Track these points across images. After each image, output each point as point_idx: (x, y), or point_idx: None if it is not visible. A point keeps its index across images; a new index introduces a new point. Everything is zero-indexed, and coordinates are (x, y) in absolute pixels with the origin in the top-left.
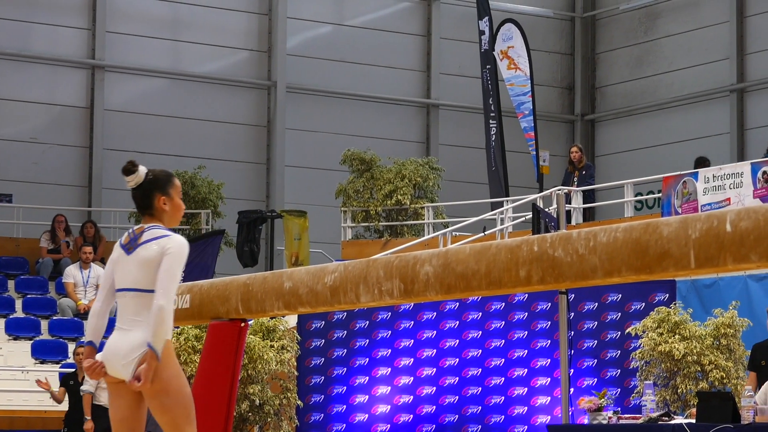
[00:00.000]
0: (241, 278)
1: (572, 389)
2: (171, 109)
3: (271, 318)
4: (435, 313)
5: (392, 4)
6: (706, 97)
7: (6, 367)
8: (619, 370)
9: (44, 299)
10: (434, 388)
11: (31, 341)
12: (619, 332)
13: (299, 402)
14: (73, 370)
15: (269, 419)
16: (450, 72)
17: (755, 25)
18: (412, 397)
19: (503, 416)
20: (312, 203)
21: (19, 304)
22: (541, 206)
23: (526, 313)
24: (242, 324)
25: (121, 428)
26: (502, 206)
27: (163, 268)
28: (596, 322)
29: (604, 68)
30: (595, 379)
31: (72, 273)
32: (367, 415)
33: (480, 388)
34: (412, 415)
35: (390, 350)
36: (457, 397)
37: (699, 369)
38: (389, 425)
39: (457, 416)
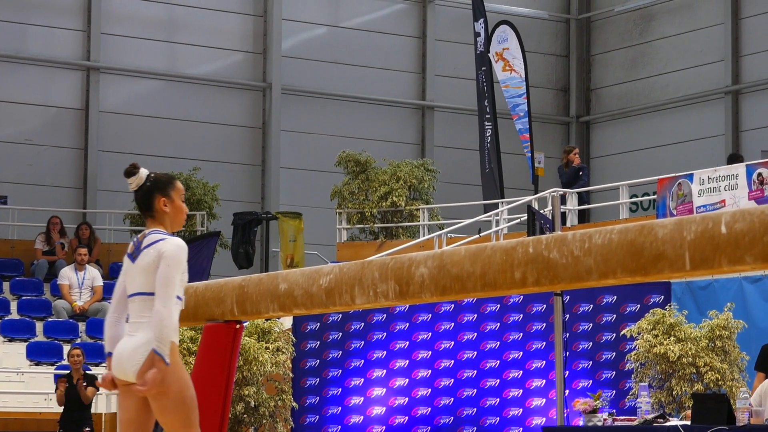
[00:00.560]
0: (236, 280)
1: (567, 391)
2: (166, 110)
3: (266, 320)
4: (430, 315)
5: (387, 5)
6: (701, 99)
7: (1, 368)
8: (614, 372)
9: (39, 301)
10: (429, 389)
11: (26, 343)
12: (614, 334)
13: (294, 404)
14: (68, 372)
15: (264, 421)
16: (445, 74)
17: (750, 26)
18: (407, 398)
19: (498, 418)
20: (307, 205)
21: (14, 305)
22: (536, 208)
23: (521, 315)
24: (237, 326)
25: (127, 429)
26: (496, 208)
27: (159, 273)
28: (591, 324)
29: (599, 70)
30: (590, 381)
31: (67, 275)
32: (362, 417)
33: (475, 390)
34: (407, 417)
35: (385, 352)
36: (452, 398)
37: (694, 371)
38: (384, 427)
39: (452, 418)
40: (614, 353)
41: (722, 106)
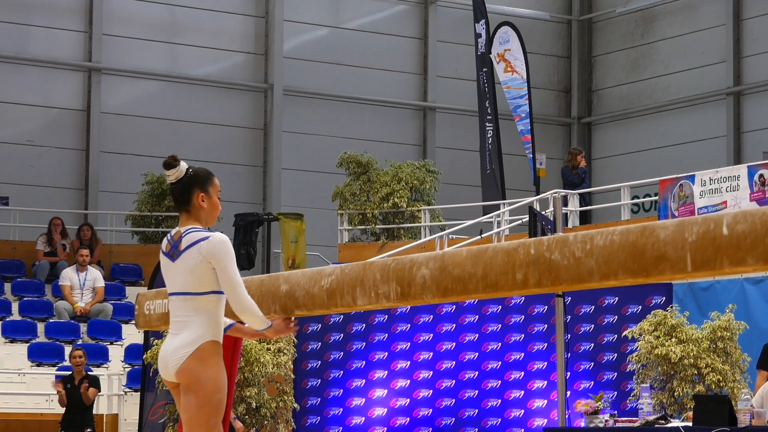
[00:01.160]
0: None
1: (569, 392)
2: (167, 111)
3: None
4: (432, 316)
5: (389, 7)
6: (702, 100)
7: (2, 370)
8: (615, 373)
9: (41, 302)
10: (431, 390)
11: (28, 344)
12: (616, 335)
13: (296, 405)
14: (70, 372)
15: (266, 422)
16: (447, 75)
17: (752, 28)
18: (408, 400)
19: (500, 419)
20: (309, 206)
21: (15, 306)
22: (538, 209)
23: (523, 316)
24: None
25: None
26: (498, 209)
27: (221, 277)
28: (593, 325)
29: (601, 71)
30: (592, 382)
31: (68, 276)
32: (363, 418)
33: (477, 391)
34: (408, 418)
35: (387, 353)
36: (453, 399)
37: (696, 372)
38: (386, 428)
39: (453, 419)
40: (616, 354)
41: (724, 108)
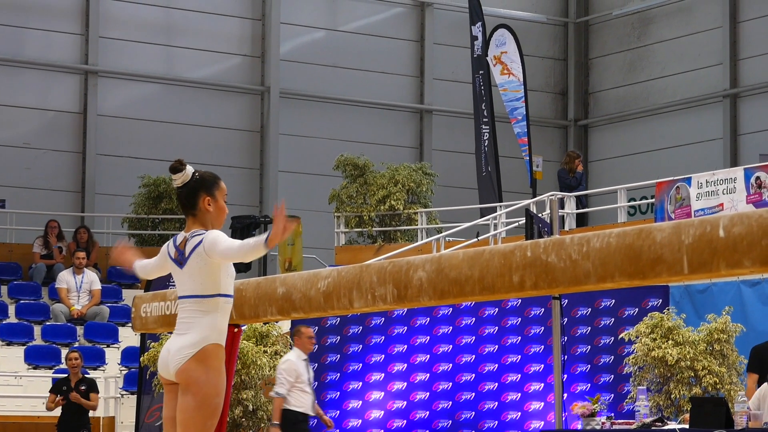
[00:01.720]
0: (235, 283)
1: (566, 394)
2: (164, 114)
3: (264, 323)
4: (428, 319)
5: (385, 9)
6: (699, 103)
7: None
8: (612, 376)
9: (37, 305)
10: (428, 393)
11: (24, 347)
12: (613, 337)
13: None
14: (66, 375)
15: (263, 424)
16: (443, 77)
17: (748, 30)
18: (405, 402)
19: (497, 421)
20: (305, 208)
21: (12, 309)
22: (535, 211)
23: (520, 319)
24: (235, 329)
25: (169, 426)
26: (494, 211)
27: (223, 255)
28: (589, 328)
29: (597, 73)
30: (589, 385)
31: (65, 278)
32: (360, 421)
33: (473, 394)
34: (405, 421)
35: (383, 355)
36: (450, 402)
37: (692, 374)
38: (382, 430)
39: (450, 421)
40: (612, 357)
41: (720, 110)
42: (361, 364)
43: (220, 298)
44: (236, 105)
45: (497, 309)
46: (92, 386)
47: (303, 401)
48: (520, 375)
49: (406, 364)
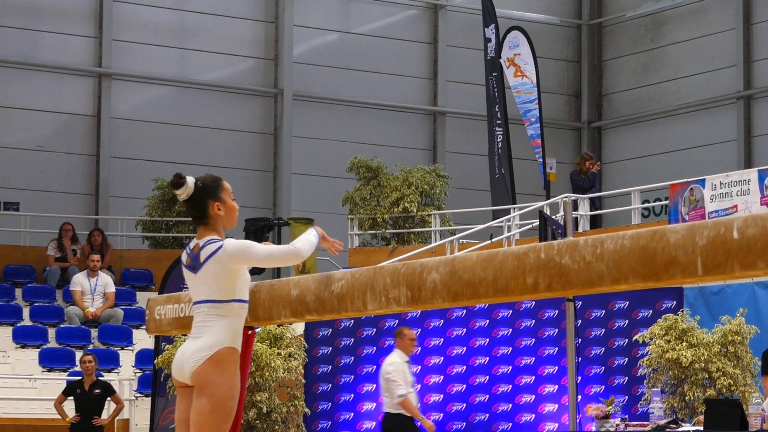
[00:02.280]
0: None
1: (580, 396)
2: (178, 116)
3: (279, 326)
4: (442, 321)
5: (399, 11)
6: (712, 105)
7: (13, 375)
8: (626, 378)
9: (51, 307)
10: (441, 395)
11: (39, 349)
12: (627, 339)
13: (307, 409)
14: (80, 378)
15: (277, 427)
16: (456, 79)
17: (762, 32)
18: (419, 404)
19: (511, 423)
20: (319, 211)
21: (26, 312)
22: (548, 213)
23: (534, 321)
24: (249, 332)
25: (182, 429)
26: (508, 213)
27: (258, 264)
28: (603, 330)
29: (611, 75)
30: (603, 387)
31: (79, 281)
32: (374, 423)
33: (487, 396)
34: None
35: None
36: (464, 404)
37: (706, 376)
38: None
39: (464, 423)
40: (626, 359)
41: (734, 112)
42: (375, 366)
43: (236, 303)
44: (249, 107)
45: (511, 311)
46: (107, 389)
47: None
48: (534, 377)
49: (419, 367)
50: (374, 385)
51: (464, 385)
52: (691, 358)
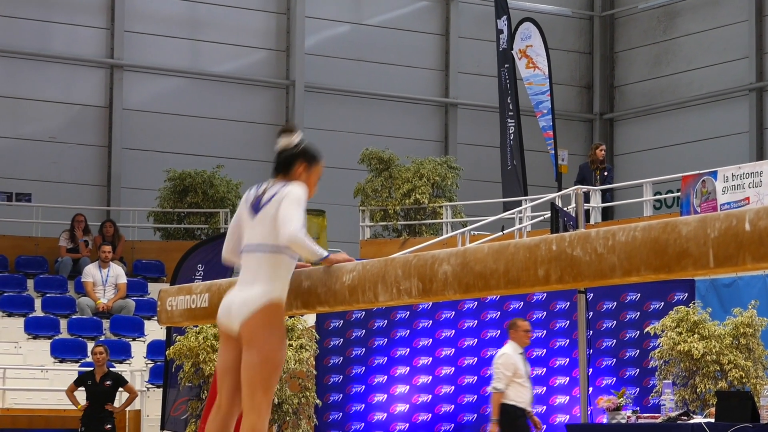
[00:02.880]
0: None
1: (591, 388)
2: (189, 108)
3: (290, 317)
4: (453, 312)
5: (410, 3)
6: (725, 96)
7: (25, 366)
8: (637, 370)
9: (63, 298)
10: (453, 387)
11: (50, 340)
12: (638, 331)
13: (318, 401)
14: (91, 369)
15: (288, 418)
16: (468, 71)
17: None
18: (430, 396)
19: None
20: (330, 202)
21: (38, 303)
22: (560, 205)
23: (545, 312)
24: None
25: (224, 379)
26: (519, 205)
27: (284, 205)
28: (615, 322)
29: (623, 67)
30: (614, 379)
31: (91, 272)
32: (385, 414)
33: None
34: (430, 414)
35: (408, 349)
36: (475, 396)
37: (718, 368)
38: (408, 424)
39: (475, 415)
40: (638, 351)
41: (746, 103)
42: (386, 358)
43: (287, 256)
44: (261, 99)
45: (522, 303)
46: (119, 380)
47: (521, 395)
48: (545, 369)
49: (431, 358)
50: (385, 377)
51: (475, 377)
52: (702, 350)
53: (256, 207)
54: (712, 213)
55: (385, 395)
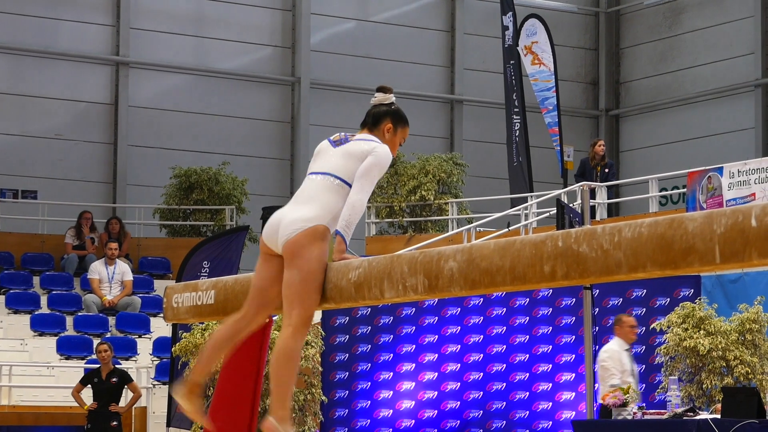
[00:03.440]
0: None
1: (597, 385)
2: (195, 105)
3: None
4: (459, 309)
5: None
6: (730, 92)
7: (31, 362)
8: (644, 366)
9: (69, 295)
10: (458, 383)
11: (56, 337)
12: (644, 328)
13: (323, 397)
14: (98, 366)
15: (294, 415)
16: (474, 67)
17: None
18: (436, 392)
19: (528, 412)
20: None
21: (44, 300)
22: (566, 201)
23: (551, 309)
24: (267, 319)
25: (256, 295)
26: (525, 201)
27: (364, 165)
28: None
29: (629, 63)
30: None
31: (97, 269)
32: (391, 411)
33: (504, 384)
34: (436, 411)
35: (414, 346)
36: (481, 392)
37: (724, 364)
38: (413, 421)
39: (481, 412)
40: (644, 347)
41: (752, 99)
42: (391, 355)
43: (344, 197)
44: (267, 96)
45: (528, 299)
46: (124, 377)
47: None
48: (551, 365)
49: (436, 355)
50: (391, 374)
51: (481, 374)
52: (708, 346)
53: (340, 143)
54: (718, 209)
55: (391, 392)
